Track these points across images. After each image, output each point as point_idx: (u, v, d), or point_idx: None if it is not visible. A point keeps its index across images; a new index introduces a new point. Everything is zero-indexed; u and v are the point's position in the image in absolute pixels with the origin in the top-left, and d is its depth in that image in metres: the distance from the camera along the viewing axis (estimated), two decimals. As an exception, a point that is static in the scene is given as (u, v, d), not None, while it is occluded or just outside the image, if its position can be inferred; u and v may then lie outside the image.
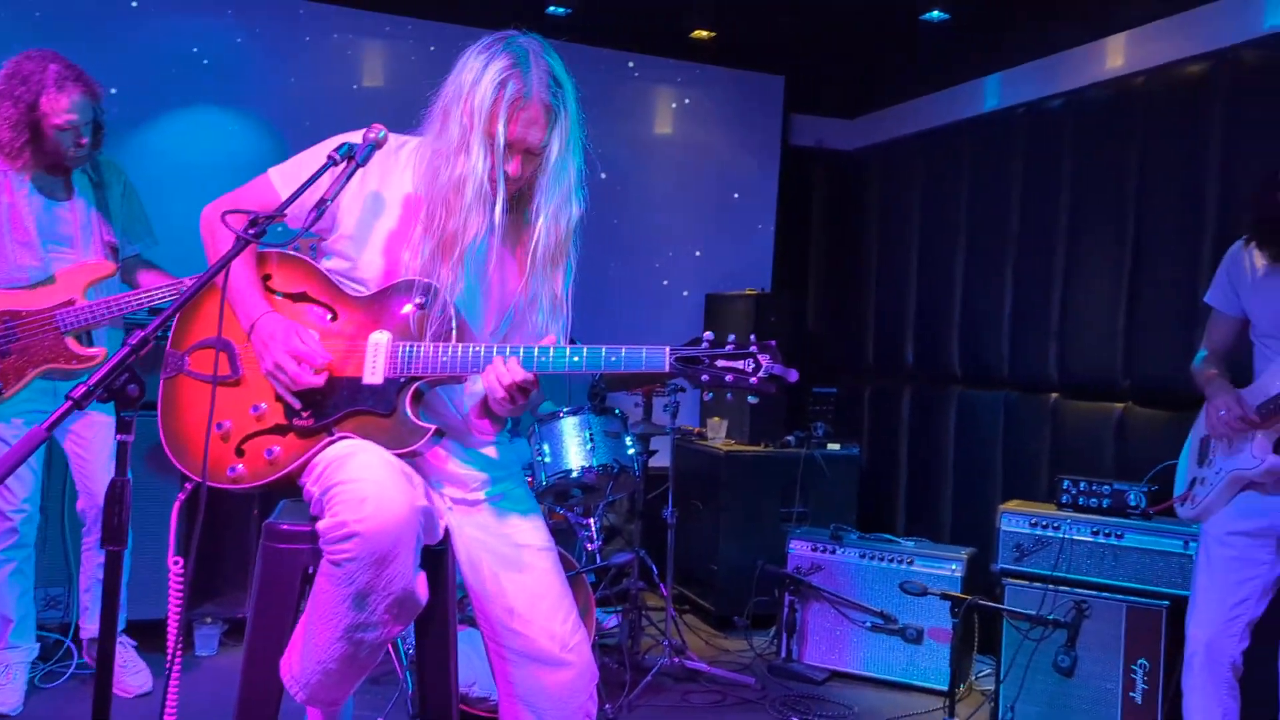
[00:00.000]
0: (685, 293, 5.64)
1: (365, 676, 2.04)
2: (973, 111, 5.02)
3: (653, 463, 4.57)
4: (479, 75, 1.96)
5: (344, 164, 1.89)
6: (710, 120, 5.71)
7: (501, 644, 2.08)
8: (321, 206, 1.84)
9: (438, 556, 2.10)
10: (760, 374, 1.88)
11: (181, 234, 3.10)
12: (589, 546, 3.77)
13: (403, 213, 2.08)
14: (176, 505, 1.98)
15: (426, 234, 2.02)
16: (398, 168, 2.11)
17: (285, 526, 2.01)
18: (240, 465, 2.01)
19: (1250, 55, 3.65)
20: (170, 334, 2.13)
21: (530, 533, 2.16)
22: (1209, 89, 3.77)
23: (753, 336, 1.93)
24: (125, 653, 3.56)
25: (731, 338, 1.93)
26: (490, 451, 2.22)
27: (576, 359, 1.95)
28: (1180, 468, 3.07)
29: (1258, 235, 2.82)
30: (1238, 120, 3.66)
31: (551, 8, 4.96)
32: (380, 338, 2.02)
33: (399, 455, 1.98)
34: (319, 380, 1.98)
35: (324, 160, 1.98)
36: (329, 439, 2.00)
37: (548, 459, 3.85)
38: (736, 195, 5.77)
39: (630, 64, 5.52)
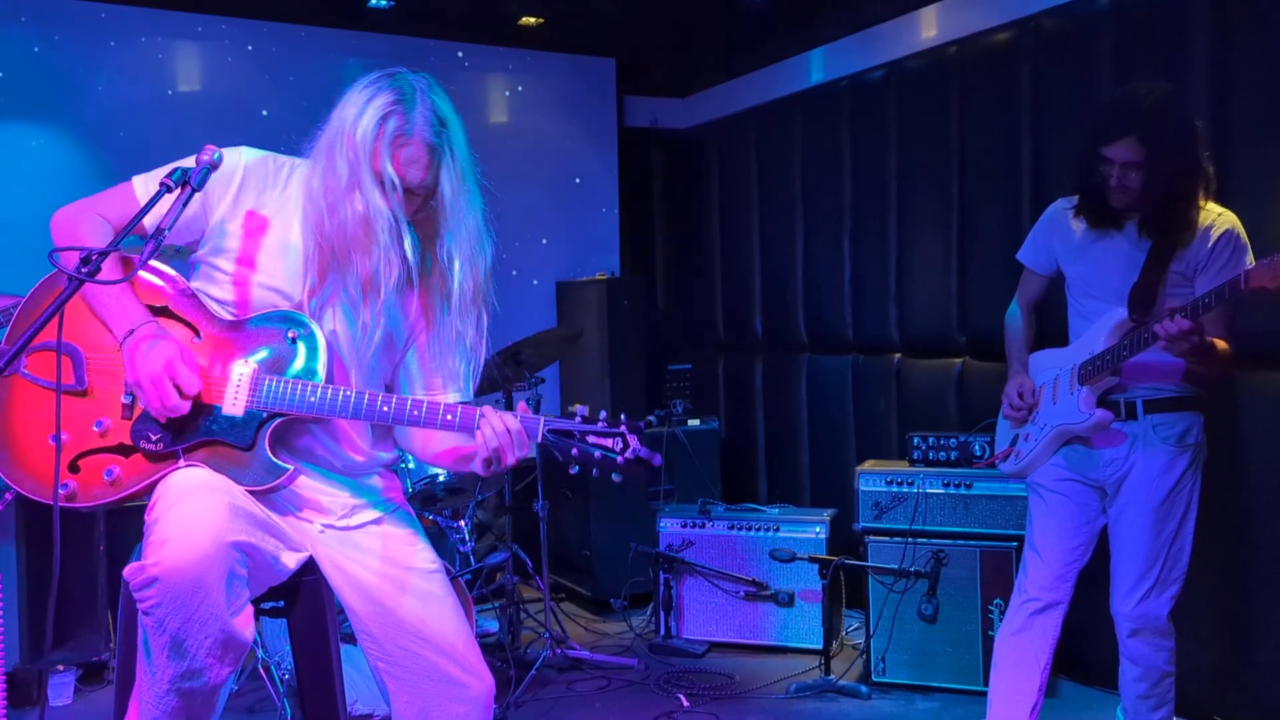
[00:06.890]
0: (535, 281, 5.62)
1: None
2: (800, 85, 5.15)
3: (518, 455, 4.54)
4: (361, 110, 1.90)
5: (179, 190, 1.79)
6: (545, 106, 5.68)
7: (396, 664, 2.02)
8: (159, 237, 1.74)
9: (309, 586, 2.04)
10: (628, 453, 1.94)
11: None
12: (462, 549, 3.73)
13: (291, 244, 1.99)
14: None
15: (337, 273, 1.95)
16: (277, 189, 2.01)
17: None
18: (73, 482, 1.90)
19: (1049, 22, 3.88)
20: (9, 327, 1.98)
21: (416, 556, 2.10)
22: (1016, 55, 3.98)
23: (623, 416, 1.97)
24: None
25: (603, 414, 1.96)
26: (368, 482, 2.15)
27: (451, 417, 1.94)
28: (1001, 424, 3.12)
29: (1081, 201, 2.81)
30: (1043, 84, 3.88)
31: (373, 1, 4.81)
32: (245, 367, 1.93)
33: (251, 492, 1.90)
34: (185, 407, 1.87)
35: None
36: (174, 465, 1.90)
37: (411, 465, 3.79)
38: (578, 180, 5.77)
39: (460, 54, 5.43)
